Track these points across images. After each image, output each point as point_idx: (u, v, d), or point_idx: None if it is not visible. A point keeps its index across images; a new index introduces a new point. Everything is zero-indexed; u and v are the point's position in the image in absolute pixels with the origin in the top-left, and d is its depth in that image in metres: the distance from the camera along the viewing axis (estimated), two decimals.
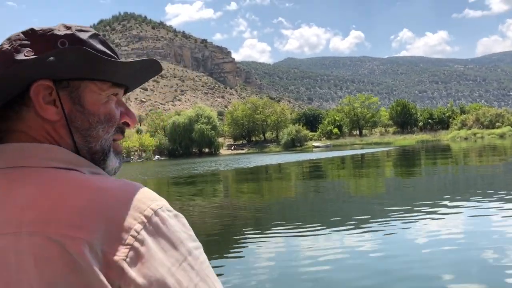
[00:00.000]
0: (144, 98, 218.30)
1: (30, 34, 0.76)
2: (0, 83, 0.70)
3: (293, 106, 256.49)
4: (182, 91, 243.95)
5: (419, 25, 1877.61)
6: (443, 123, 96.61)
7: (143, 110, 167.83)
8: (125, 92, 0.86)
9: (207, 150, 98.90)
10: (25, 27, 0.68)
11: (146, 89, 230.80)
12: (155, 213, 0.67)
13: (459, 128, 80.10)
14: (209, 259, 5.88)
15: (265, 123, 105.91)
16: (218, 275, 5.78)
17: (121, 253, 0.62)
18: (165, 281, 0.63)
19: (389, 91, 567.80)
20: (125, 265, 0.61)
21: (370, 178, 18.97)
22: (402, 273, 5.18)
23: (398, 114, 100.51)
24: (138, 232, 0.64)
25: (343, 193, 14.46)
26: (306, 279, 5.27)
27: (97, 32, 0.80)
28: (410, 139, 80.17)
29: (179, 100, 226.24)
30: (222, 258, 6.69)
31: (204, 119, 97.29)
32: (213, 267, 5.92)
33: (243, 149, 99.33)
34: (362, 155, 40.02)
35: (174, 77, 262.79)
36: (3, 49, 0.74)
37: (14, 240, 0.62)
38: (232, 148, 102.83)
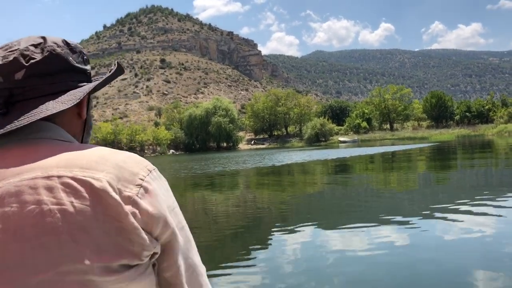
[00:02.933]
0: (166, 91, 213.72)
1: (66, 44, 0.94)
2: (67, 87, 0.90)
3: (321, 99, 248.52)
4: (205, 83, 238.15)
5: (451, 17, 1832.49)
6: (482, 117, 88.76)
7: (165, 102, 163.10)
8: None
9: (225, 144, 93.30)
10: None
11: (168, 82, 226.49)
12: (154, 169, 0.87)
13: (506, 122, 71.63)
14: (233, 253, 6.83)
15: (287, 116, 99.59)
16: (244, 267, 5.85)
17: (134, 191, 0.79)
18: (171, 209, 0.85)
19: (420, 84, 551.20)
20: (137, 199, 0.79)
21: (403, 184, 13.68)
22: (429, 270, 5.08)
23: (433, 106, 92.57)
24: (144, 177, 0.82)
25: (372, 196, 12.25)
26: (331, 273, 5.23)
27: None
28: (448, 134, 72.54)
29: (202, 93, 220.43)
30: (247, 251, 6.64)
31: (222, 111, 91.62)
32: (238, 259, 6.33)
33: (263, 144, 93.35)
34: (393, 152, 33.32)
35: (198, 69, 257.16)
36: (56, 51, 0.90)
37: (43, 180, 0.76)
38: (252, 142, 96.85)
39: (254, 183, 18.41)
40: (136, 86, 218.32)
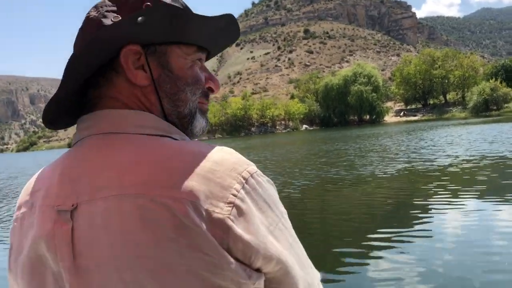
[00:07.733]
0: (308, 62, 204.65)
1: (116, 0, 0.76)
2: (90, 49, 0.69)
3: (488, 62, 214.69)
4: (350, 51, 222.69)
5: None
6: None
7: (307, 74, 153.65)
8: (207, 58, 0.86)
9: (367, 117, 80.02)
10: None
11: (311, 52, 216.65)
12: (252, 175, 0.68)
13: None
14: (385, 230, 6.25)
15: (446, 80, 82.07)
16: (399, 247, 5.30)
17: (225, 211, 0.62)
18: (268, 237, 0.65)
19: None
20: (230, 223, 0.62)
21: None
22: None
23: None
24: (238, 191, 0.65)
25: None
26: (494, 253, 4.78)
27: None
28: None
29: (347, 61, 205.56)
30: (401, 230, 5.99)
31: (364, 78, 78.30)
32: (392, 237, 5.79)
33: (415, 115, 78.16)
34: None
35: (343, 37, 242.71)
36: (90, 16, 0.75)
37: (117, 202, 0.63)
38: (401, 114, 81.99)
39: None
40: (278, 60, 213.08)
